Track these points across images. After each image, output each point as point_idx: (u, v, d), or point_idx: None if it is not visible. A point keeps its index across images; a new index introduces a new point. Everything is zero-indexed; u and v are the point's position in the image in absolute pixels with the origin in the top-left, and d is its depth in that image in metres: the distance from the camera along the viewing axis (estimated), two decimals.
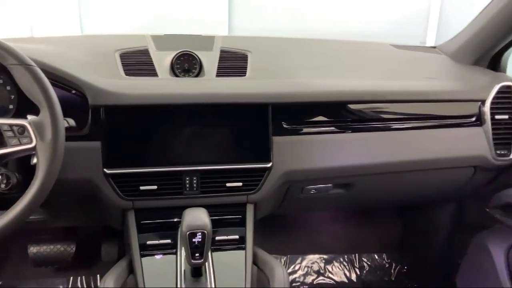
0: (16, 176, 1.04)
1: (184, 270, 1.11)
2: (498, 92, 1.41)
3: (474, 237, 1.67)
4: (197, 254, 1.03)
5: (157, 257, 1.15)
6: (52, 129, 0.94)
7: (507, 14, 1.37)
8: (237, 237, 1.21)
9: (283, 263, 2.05)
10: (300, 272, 2.05)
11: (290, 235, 2.07)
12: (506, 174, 1.49)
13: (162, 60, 1.29)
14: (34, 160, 0.96)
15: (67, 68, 1.13)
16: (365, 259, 2.12)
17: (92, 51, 1.34)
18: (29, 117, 0.97)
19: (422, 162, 1.38)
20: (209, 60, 1.32)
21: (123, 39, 1.45)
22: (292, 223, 2.06)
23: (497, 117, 1.41)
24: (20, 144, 0.94)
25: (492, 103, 1.40)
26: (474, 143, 1.41)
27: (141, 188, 1.18)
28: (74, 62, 1.22)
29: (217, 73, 1.30)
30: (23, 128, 0.94)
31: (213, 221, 1.07)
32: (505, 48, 1.52)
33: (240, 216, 1.26)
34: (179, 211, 1.11)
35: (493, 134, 1.41)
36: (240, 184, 1.23)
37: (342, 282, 2.05)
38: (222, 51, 1.38)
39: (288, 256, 2.07)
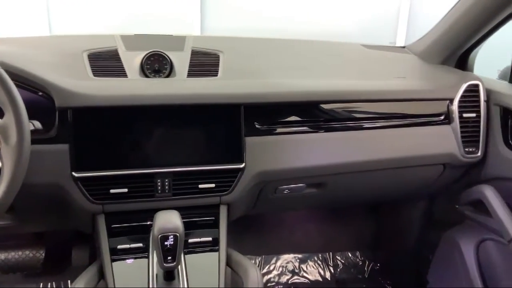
0: None
1: (156, 274, 1.10)
2: (466, 90, 1.44)
3: (444, 233, 1.70)
4: (169, 257, 1.02)
5: (129, 261, 1.13)
6: (17, 132, 0.92)
7: (473, 14, 1.40)
8: (210, 239, 1.20)
9: (257, 264, 2.05)
10: (275, 272, 2.05)
11: (264, 235, 2.07)
12: (475, 171, 1.52)
13: (132, 61, 1.27)
14: None
15: (32, 69, 1.10)
16: (339, 258, 2.13)
17: (59, 51, 1.30)
18: None
19: (393, 161, 1.40)
20: (180, 61, 1.31)
21: (91, 39, 1.42)
22: (266, 223, 2.06)
23: (465, 115, 1.44)
24: None
25: (460, 101, 1.43)
26: (443, 141, 1.43)
27: (111, 191, 1.16)
28: (40, 63, 1.19)
29: (188, 73, 1.28)
30: None
31: (186, 223, 1.06)
32: (472, 47, 1.55)
33: (214, 218, 1.25)
34: (151, 214, 1.10)
35: (461, 132, 1.44)
36: (213, 185, 1.23)
37: (317, 281, 2.07)
38: (193, 51, 1.37)
39: (263, 256, 2.07)
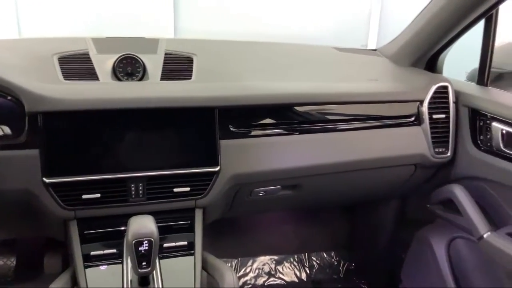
0: None
1: (131, 280, 1.09)
2: (435, 92, 1.47)
3: (417, 232, 1.73)
4: (144, 263, 1.01)
5: (102, 267, 1.12)
6: None
7: (442, 17, 1.43)
8: (185, 243, 1.20)
9: (234, 267, 2.05)
10: (251, 275, 2.05)
11: (240, 238, 2.07)
12: (445, 171, 1.55)
13: (104, 64, 1.25)
14: None
15: (1, 73, 1.08)
16: (314, 258, 2.15)
17: (29, 55, 1.28)
18: None
19: (366, 162, 1.42)
20: (153, 64, 1.30)
21: (62, 42, 1.40)
22: (242, 225, 2.06)
23: (434, 116, 1.47)
24: None
25: (429, 103, 1.46)
26: (414, 142, 1.46)
27: (84, 197, 1.14)
28: (9, 66, 1.17)
29: (161, 76, 1.27)
30: None
31: (160, 228, 1.05)
32: (441, 50, 1.59)
33: (189, 222, 1.24)
34: (124, 219, 1.08)
35: (431, 133, 1.47)
36: (188, 189, 1.22)
37: (293, 282, 2.08)
38: (166, 54, 1.36)
39: (239, 259, 2.07)
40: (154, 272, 1.09)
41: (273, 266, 2.09)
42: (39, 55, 1.27)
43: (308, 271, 2.11)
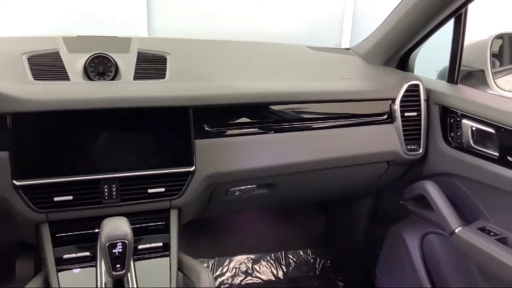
0: None
1: (105, 283, 1.07)
2: (407, 90, 1.49)
3: (390, 228, 1.76)
4: (118, 265, 0.99)
5: (75, 271, 1.10)
6: None
7: (413, 16, 1.45)
8: (161, 244, 1.19)
9: (210, 267, 2.04)
10: (228, 274, 2.05)
11: (216, 238, 2.06)
12: (417, 168, 1.58)
13: (74, 63, 1.23)
14: None
15: None
16: (291, 256, 2.16)
17: None
18: None
19: (340, 159, 1.44)
20: (126, 63, 1.28)
21: (31, 41, 1.36)
22: (218, 225, 2.05)
23: (406, 114, 1.49)
24: None
25: (401, 101, 1.48)
26: (387, 139, 1.48)
27: (55, 199, 1.11)
28: None
29: (134, 76, 1.26)
30: None
31: (135, 229, 1.04)
32: (412, 48, 1.61)
33: (164, 222, 1.23)
34: (98, 221, 1.06)
35: (404, 130, 1.49)
36: (162, 189, 1.21)
37: (270, 281, 2.08)
38: (139, 53, 1.34)
39: (216, 259, 2.06)
40: (129, 274, 1.08)
41: (250, 265, 2.10)
42: (7, 55, 1.24)
43: (284, 269, 2.13)
